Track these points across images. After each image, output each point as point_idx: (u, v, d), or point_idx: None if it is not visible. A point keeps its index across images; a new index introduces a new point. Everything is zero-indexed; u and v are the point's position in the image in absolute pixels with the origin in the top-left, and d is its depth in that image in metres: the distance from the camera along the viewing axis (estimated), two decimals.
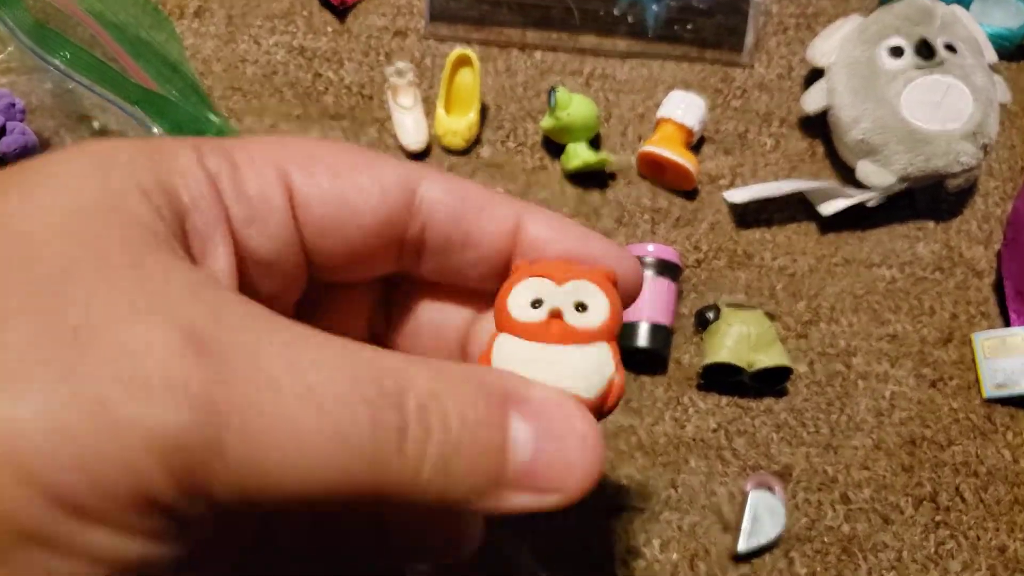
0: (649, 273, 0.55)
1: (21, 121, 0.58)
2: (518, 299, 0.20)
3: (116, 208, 0.16)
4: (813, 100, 0.62)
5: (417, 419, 0.16)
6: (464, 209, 0.22)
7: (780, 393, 0.55)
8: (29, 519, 0.13)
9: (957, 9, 0.62)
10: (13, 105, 0.58)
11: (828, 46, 0.63)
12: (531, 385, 0.18)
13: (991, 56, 0.61)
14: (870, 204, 0.59)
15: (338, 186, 0.21)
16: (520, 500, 0.17)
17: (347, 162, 0.21)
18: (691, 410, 0.54)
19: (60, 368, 0.13)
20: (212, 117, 0.58)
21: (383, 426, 0.15)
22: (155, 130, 0.57)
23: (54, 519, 0.13)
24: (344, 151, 0.21)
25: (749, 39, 0.67)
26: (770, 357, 0.53)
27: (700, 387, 0.55)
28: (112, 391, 0.13)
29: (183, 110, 0.56)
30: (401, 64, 0.63)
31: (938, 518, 0.52)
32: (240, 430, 0.14)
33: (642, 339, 0.54)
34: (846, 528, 0.51)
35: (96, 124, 0.61)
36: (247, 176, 0.20)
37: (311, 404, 0.15)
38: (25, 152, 0.58)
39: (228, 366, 0.14)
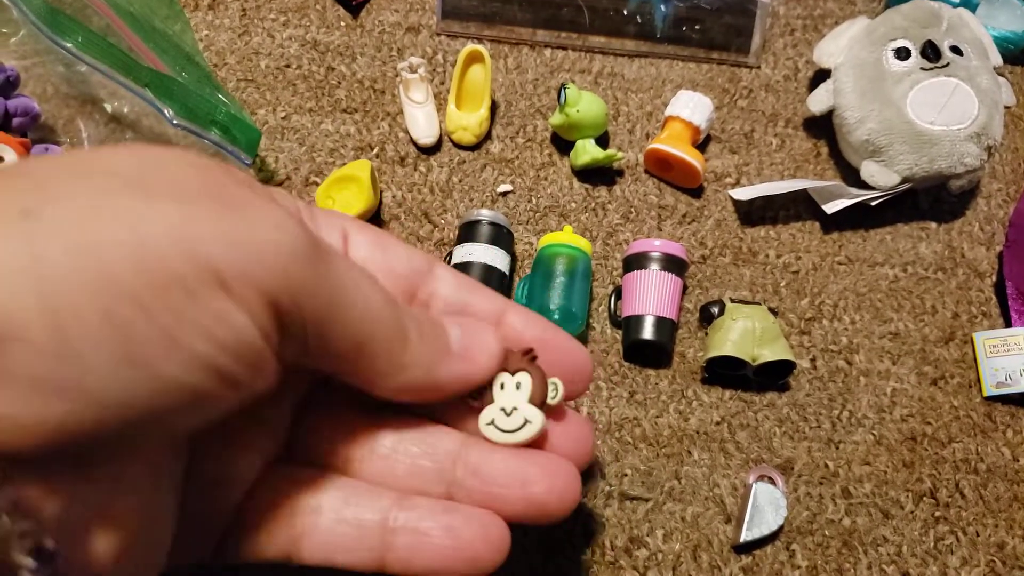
0: (655, 268, 0.56)
1: (15, 86, 0.58)
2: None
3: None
4: (819, 101, 0.63)
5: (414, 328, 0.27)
6: (470, 286, 0.32)
7: (783, 388, 0.56)
8: (189, 277, 0.19)
9: (963, 12, 0.62)
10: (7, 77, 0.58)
11: (835, 47, 0.63)
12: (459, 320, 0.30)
13: (996, 59, 0.62)
14: (873, 204, 0.60)
15: (380, 242, 0.30)
16: (460, 366, 0.28)
17: (387, 234, 0.31)
18: (695, 403, 0.55)
19: (229, 207, 0.21)
20: (222, 98, 0.59)
21: (399, 325, 0.26)
22: (166, 112, 0.57)
23: (205, 281, 0.20)
24: (382, 231, 0.31)
25: (756, 40, 0.68)
26: (774, 352, 0.53)
27: (704, 381, 0.56)
28: (256, 223, 0.21)
29: (193, 93, 0.56)
30: (413, 59, 0.63)
31: (938, 514, 0.53)
32: (328, 268, 0.23)
33: (647, 332, 0.54)
34: (847, 522, 0.52)
35: (109, 108, 0.62)
36: (318, 216, 0.29)
37: (373, 298, 0.25)
38: (27, 113, 0.58)
39: (325, 246, 0.24)
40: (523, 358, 0.31)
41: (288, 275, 0.21)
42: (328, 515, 0.28)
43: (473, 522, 0.28)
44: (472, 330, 0.29)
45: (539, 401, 0.30)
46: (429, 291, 0.31)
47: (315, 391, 0.31)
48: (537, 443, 0.31)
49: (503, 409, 0.30)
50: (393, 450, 0.30)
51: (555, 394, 0.31)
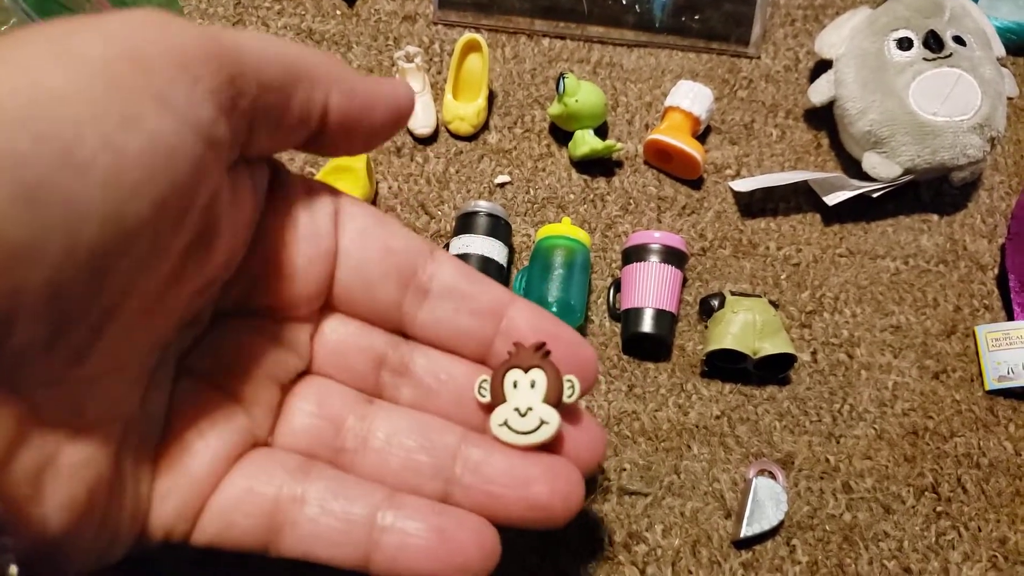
0: (654, 260, 0.55)
1: None
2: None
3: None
4: (820, 91, 0.62)
5: None
6: (473, 275, 0.31)
7: (783, 382, 0.55)
8: (174, 59, 0.21)
9: (966, 2, 0.62)
10: None
11: (836, 37, 0.63)
12: None
13: (999, 49, 0.61)
14: (875, 196, 0.59)
15: (379, 219, 0.30)
16: (387, 84, 0.29)
17: (388, 216, 0.30)
18: (694, 397, 0.54)
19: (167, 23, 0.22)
20: None
21: (319, 52, 0.28)
22: None
23: (180, 64, 0.21)
24: (387, 216, 0.30)
25: (756, 30, 0.67)
26: (775, 345, 0.53)
27: (704, 374, 0.55)
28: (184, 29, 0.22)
29: None
30: (410, 49, 0.62)
31: (939, 508, 0.52)
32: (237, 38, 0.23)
33: (647, 325, 0.54)
34: (847, 517, 0.51)
35: None
36: (315, 190, 0.30)
37: (283, 42, 0.26)
38: None
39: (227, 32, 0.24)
40: (535, 354, 0.29)
41: (208, 54, 0.22)
42: (313, 506, 0.27)
43: (465, 526, 0.27)
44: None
45: (555, 400, 0.29)
46: (429, 274, 0.30)
47: (303, 374, 0.30)
48: (552, 446, 0.29)
49: (517, 409, 0.29)
50: (387, 442, 0.29)
51: (571, 392, 0.29)
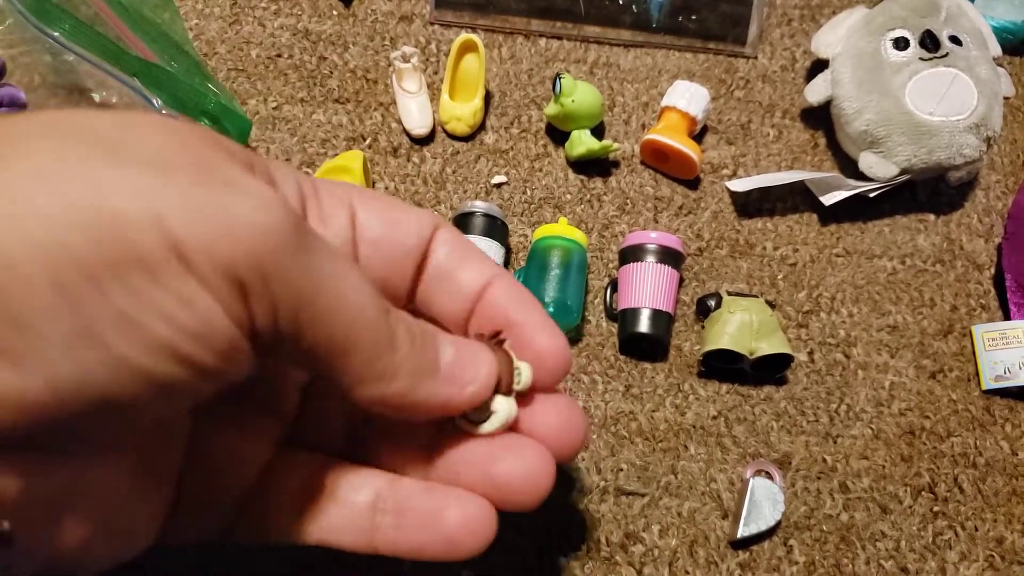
0: (651, 260, 0.55)
1: (2, 76, 0.58)
2: None
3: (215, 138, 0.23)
4: (817, 91, 0.62)
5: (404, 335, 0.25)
6: (462, 252, 0.30)
7: (780, 382, 0.55)
8: (150, 253, 0.18)
9: (962, 2, 0.62)
10: None
11: (833, 37, 0.63)
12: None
13: (995, 49, 0.61)
14: (871, 195, 0.59)
15: (388, 216, 0.28)
16: (444, 389, 0.26)
17: (393, 202, 0.29)
18: (691, 397, 0.54)
19: (206, 180, 0.20)
20: (212, 88, 0.58)
21: (385, 330, 0.24)
22: (155, 102, 0.57)
23: (167, 258, 0.18)
24: (388, 198, 0.29)
25: (753, 30, 0.67)
26: (771, 345, 0.53)
27: (700, 374, 0.55)
28: (233, 199, 0.20)
29: (182, 82, 0.56)
30: (406, 49, 0.62)
31: (936, 508, 0.52)
32: (310, 256, 0.21)
33: (643, 325, 0.54)
34: (844, 517, 0.51)
35: (97, 98, 0.61)
36: (322, 190, 0.27)
37: (359, 295, 0.23)
38: (14, 103, 0.57)
39: (310, 232, 0.22)
40: (489, 341, 0.29)
41: (260, 257, 0.20)
42: (329, 497, 0.28)
43: (463, 504, 0.28)
44: (467, 353, 0.27)
45: (505, 389, 0.29)
46: (429, 258, 0.30)
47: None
48: (517, 429, 0.30)
49: None
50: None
51: (518, 380, 0.29)
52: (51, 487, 0.20)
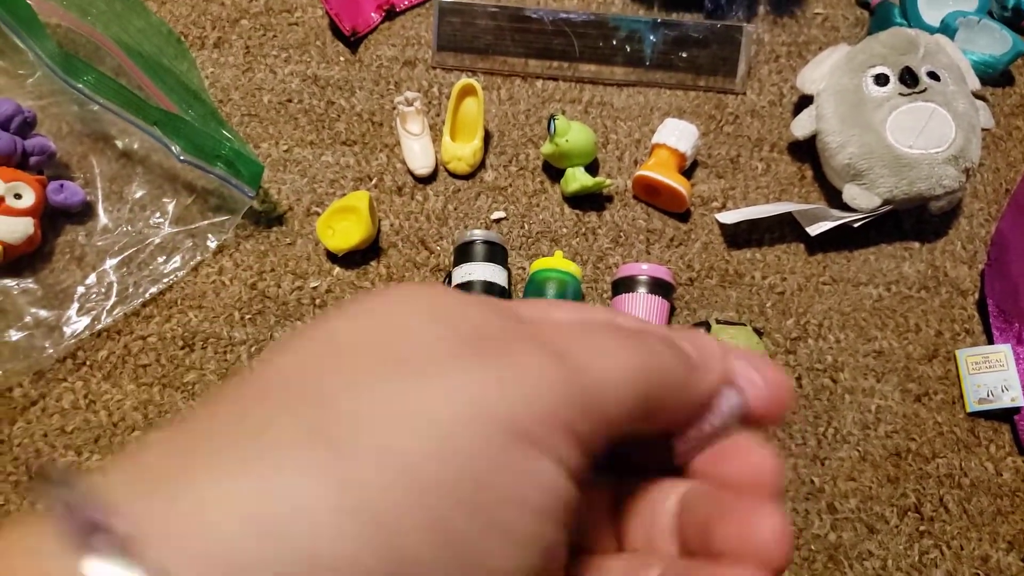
0: (642, 291, 0.58)
1: (32, 127, 0.61)
2: None
3: None
4: (802, 126, 0.65)
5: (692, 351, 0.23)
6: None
7: None
8: (536, 434, 0.18)
9: (940, 38, 0.64)
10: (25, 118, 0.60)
11: (817, 74, 0.65)
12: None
13: (974, 83, 0.63)
14: (856, 225, 0.62)
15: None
16: (706, 377, 0.24)
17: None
18: None
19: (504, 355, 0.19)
20: (226, 134, 0.62)
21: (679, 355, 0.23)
22: (174, 148, 0.60)
23: (545, 437, 0.18)
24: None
25: (742, 67, 0.70)
26: None
27: None
28: (534, 366, 0.19)
29: (199, 130, 0.59)
30: (410, 93, 0.66)
31: (922, 528, 0.54)
32: (589, 380, 0.20)
33: None
34: (832, 537, 0.53)
35: (120, 145, 0.65)
36: None
37: (623, 366, 0.21)
38: (44, 152, 0.61)
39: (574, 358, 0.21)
40: None
41: (574, 399, 0.19)
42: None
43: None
44: (689, 336, 0.25)
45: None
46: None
47: None
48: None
49: None
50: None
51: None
52: None
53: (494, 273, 0.58)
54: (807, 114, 0.65)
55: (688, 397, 0.23)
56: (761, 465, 0.25)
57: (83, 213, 0.63)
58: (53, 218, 0.62)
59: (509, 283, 0.61)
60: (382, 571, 0.16)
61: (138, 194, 0.64)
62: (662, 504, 0.25)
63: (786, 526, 0.24)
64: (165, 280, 0.61)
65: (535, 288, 0.58)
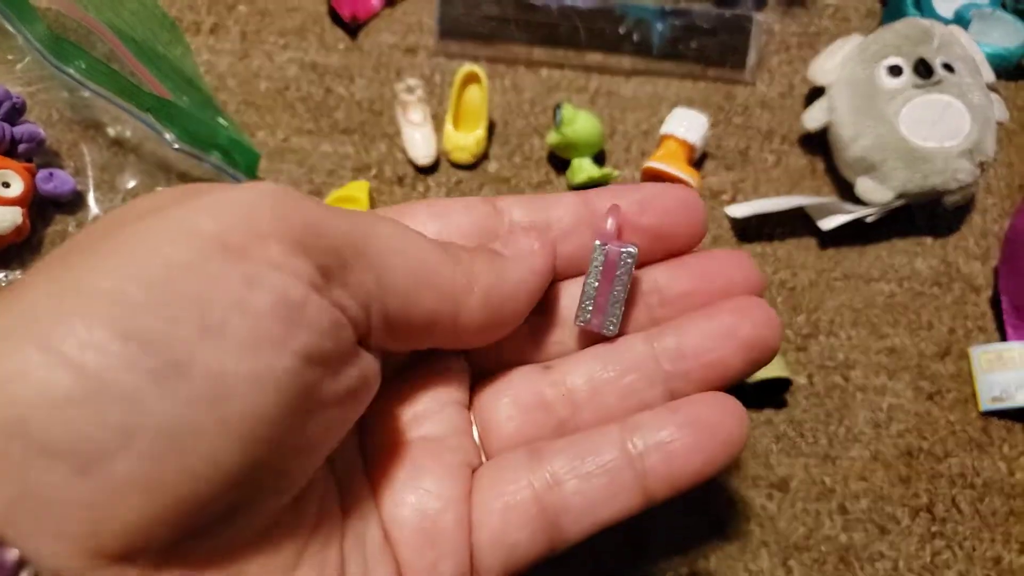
0: None
1: (21, 113, 0.59)
2: None
3: None
4: (814, 118, 0.63)
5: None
6: (539, 204, 0.31)
7: (779, 404, 0.56)
8: (249, 247, 0.20)
9: (955, 29, 0.63)
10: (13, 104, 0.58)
11: (829, 64, 0.64)
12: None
13: (989, 75, 0.62)
14: (869, 220, 0.60)
15: (437, 211, 0.30)
16: (518, 267, 0.27)
17: (442, 202, 0.30)
18: None
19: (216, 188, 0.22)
20: (222, 121, 0.60)
21: (445, 249, 0.26)
22: (167, 136, 0.58)
23: (261, 248, 0.20)
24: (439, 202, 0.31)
25: (752, 57, 0.68)
26: (770, 369, 0.54)
27: None
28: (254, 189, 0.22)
29: (194, 117, 0.57)
30: (411, 81, 0.64)
31: (934, 529, 0.53)
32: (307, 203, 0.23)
33: None
34: (843, 538, 0.52)
35: (112, 132, 0.63)
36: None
37: (411, 235, 0.25)
38: (33, 139, 0.59)
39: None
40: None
41: (294, 214, 0.21)
42: (570, 481, 0.26)
43: (707, 406, 0.27)
44: (509, 237, 0.28)
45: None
46: (505, 224, 0.29)
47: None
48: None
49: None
50: (592, 386, 0.28)
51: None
52: None
53: None
54: (819, 105, 0.64)
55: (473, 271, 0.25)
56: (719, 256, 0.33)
57: (73, 202, 0.61)
58: (42, 207, 0.60)
59: None
60: (119, 383, 0.17)
61: (130, 183, 0.62)
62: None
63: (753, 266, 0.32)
64: None
65: None
